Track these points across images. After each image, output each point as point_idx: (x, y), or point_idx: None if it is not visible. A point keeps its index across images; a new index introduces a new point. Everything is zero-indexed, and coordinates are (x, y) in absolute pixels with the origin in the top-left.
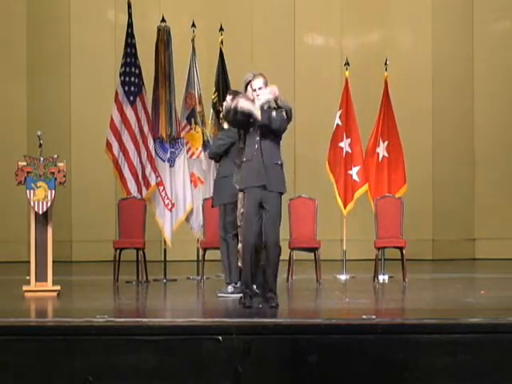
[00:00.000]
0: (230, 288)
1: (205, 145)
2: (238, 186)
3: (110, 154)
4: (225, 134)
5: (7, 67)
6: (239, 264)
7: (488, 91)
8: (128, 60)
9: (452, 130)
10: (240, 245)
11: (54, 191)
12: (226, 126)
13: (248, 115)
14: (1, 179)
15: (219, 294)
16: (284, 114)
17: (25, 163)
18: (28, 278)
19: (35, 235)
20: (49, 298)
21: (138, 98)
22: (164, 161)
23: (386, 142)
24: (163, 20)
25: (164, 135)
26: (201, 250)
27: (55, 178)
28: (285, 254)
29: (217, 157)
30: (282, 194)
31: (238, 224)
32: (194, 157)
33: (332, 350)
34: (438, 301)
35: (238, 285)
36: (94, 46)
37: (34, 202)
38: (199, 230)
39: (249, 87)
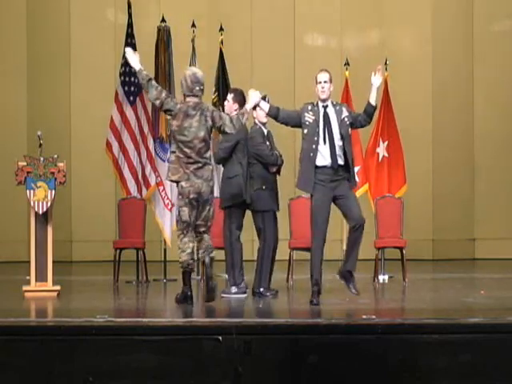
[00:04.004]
0: (234, 289)
1: None
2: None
3: (109, 153)
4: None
5: (7, 67)
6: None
7: (488, 91)
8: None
9: (452, 129)
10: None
11: (53, 191)
12: None
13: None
14: (1, 179)
15: (222, 295)
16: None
17: (25, 163)
18: (28, 277)
19: (35, 235)
20: (49, 298)
21: (138, 98)
22: (164, 161)
23: (386, 142)
24: (163, 20)
25: (164, 135)
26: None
27: (55, 178)
28: (285, 254)
29: (225, 161)
30: None
31: None
32: None
33: (332, 350)
34: (438, 301)
35: (242, 285)
36: (94, 45)
37: (34, 202)
38: None
39: None
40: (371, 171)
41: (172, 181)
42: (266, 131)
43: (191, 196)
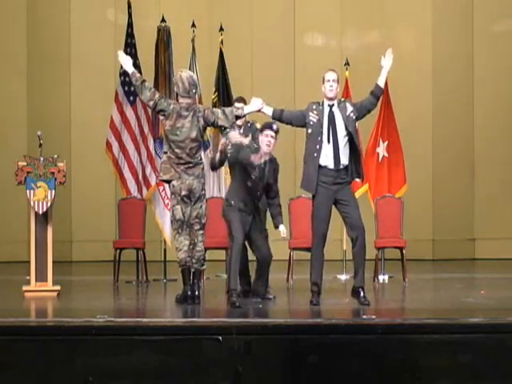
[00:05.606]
0: None
1: (205, 145)
2: None
3: (110, 153)
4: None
5: (7, 67)
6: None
7: (488, 91)
8: None
9: (452, 130)
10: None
11: (53, 191)
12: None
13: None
14: (1, 179)
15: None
16: None
17: (25, 163)
18: (28, 277)
19: (35, 235)
20: (49, 298)
21: (137, 98)
22: None
23: (386, 142)
24: (163, 20)
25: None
26: None
27: (55, 178)
28: (285, 254)
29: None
30: None
31: None
32: None
33: (332, 350)
34: (438, 301)
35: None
36: (94, 45)
37: (34, 202)
38: None
39: None
40: (371, 171)
41: (163, 180)
42: (263, 162)
43: (183, 193)
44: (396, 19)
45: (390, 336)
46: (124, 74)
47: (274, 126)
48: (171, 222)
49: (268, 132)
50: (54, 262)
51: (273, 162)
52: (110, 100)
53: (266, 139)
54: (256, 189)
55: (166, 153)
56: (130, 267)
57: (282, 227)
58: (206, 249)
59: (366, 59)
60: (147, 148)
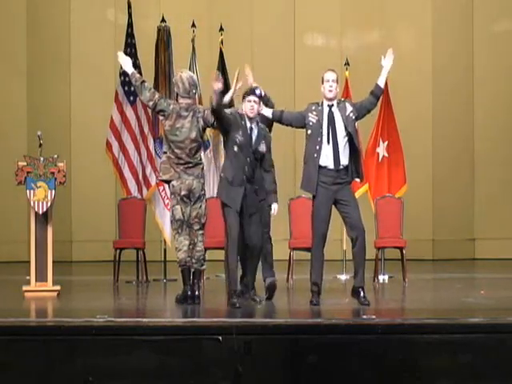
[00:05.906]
0: None
1: (205, 145)
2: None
3: (110, 153)
4: None
5: (7, 67)
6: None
7: (488, 91)
8: None
9: (452, 130)
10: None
11: (53, 191)
12: None
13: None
14: (1, 179)
15: None
16: None
17: (25, 163)
18: (28, 277)
19: (35, 235)
20: (49, 298)
21: (137, 98)
22: None
23: (386, 142)
24: (163, 20)
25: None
26: None
27: (55, 178)
28: (285, 254)
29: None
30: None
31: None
32: None
33: (332, 350)
34: (438, 301)
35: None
36: (94, 45)
37: (34, 202)
38: None
39: None
40: (371, 171)
41: (163, 180)
42: (249, 124)
43: (182, 193)
44: (396, 19)
45: (389, 336)
46: (124, 73)
47: (257, 91)
48: (171, 222)
49: (251, 97)
50: (54, 261)
51: (260, 127)
52: (110, 100)
53: (249, 104)
54: (244, 155)
55: (165, 153)
56: (130, 267)
57: (274, 205)
58: (205, 249)
59: (366, 59)
60: (147, 148)
